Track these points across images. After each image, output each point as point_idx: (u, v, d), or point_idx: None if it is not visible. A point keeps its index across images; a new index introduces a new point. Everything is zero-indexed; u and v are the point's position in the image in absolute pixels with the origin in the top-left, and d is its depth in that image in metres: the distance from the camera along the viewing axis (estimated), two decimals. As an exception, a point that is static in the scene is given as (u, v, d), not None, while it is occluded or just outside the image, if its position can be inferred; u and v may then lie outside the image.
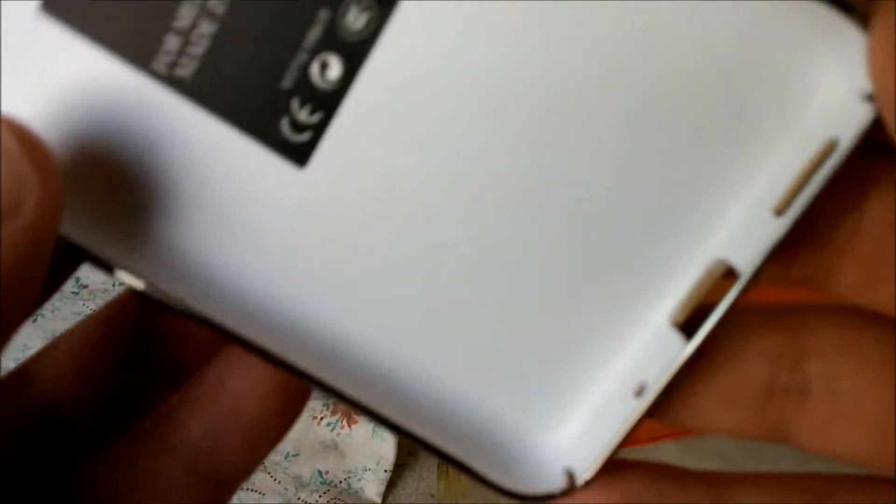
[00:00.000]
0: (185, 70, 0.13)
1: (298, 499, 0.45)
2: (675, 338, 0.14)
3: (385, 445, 0.47)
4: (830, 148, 0.13)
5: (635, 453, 0.14)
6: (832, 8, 0.12)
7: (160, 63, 0.13)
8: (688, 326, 0.14)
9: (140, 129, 0.14)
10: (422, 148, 0.14)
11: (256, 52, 0.13)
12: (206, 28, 0.13)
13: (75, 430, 0.17)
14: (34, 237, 0.11)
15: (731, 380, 0.15)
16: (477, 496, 0.49)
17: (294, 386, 0.16)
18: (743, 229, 0.14)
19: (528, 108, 0.14)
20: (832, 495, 0.15)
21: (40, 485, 0.16)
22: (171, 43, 0.13)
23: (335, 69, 0.13)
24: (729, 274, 0.14)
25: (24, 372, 0.17)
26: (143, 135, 0.14)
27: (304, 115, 0.14)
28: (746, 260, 0.13)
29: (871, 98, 0.13)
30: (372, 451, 0.47)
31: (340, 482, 0.47)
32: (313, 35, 0.13)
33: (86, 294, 0.47)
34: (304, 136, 0.14)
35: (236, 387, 0.16)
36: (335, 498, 0.46)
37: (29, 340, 0.44)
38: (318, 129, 0.14)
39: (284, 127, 0.14)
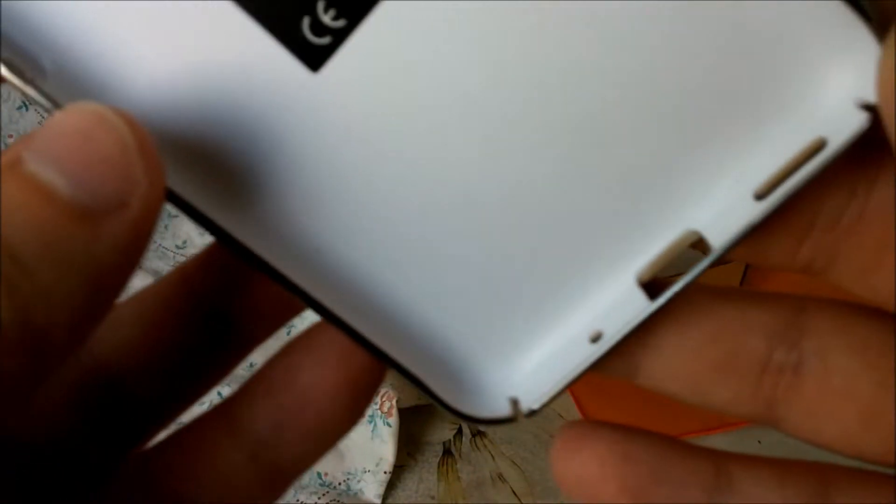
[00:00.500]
0: None
1: (297, 500, 0.45)
2: (639, 295, 0.15)
3: (384, 447, 0.46)
4: (819, 147, 0.13)
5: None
6: (852, 12, 0.13)
7: None
8: (652, 287, 0.15)
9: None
10: (432, 80, 0.14)
11: None
12: None
13: (140, 397, 0.17)
14: (137, 231, 0.12)
15: (729, 350, 0.15)
16: (476, 498, 0.49)
17: (364, 381, 0.16)
18: (722, 206, 0.14)
19: (534, 61, 0.14)
20: (834, 483, 0.15)
21: (104, 458, 0.16)
22: None
23: None
24: (700, 244, 0.14)
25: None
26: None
27: (328, 18, 0.13)
28: (719, 236, 0.14)
29: (868, 108, 0.13)
30: (371, 452, 0.47)
31: (339, 484, 0.46)
32: None
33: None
34: (324, 40, 0.14)
35: (306, 378, 0.16)
36: (334, 499, 0.45)
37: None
38: (339, 36, 0.13)
39: (305, 26, 0.13)
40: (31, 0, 0.13)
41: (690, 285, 0.14)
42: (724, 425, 0.53)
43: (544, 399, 0.15)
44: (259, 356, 0.18)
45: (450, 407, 0.15)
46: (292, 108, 0.14)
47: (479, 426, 0.15)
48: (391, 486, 0.47)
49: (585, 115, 0.14)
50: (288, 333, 0.17)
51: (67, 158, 0.12)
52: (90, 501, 0.16)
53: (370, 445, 0.47)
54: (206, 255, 0.17)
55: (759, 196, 0.14)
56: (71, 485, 0.16)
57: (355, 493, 0.46)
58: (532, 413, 0.15)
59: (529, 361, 0.16)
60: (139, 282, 0.18)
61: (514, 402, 0.16)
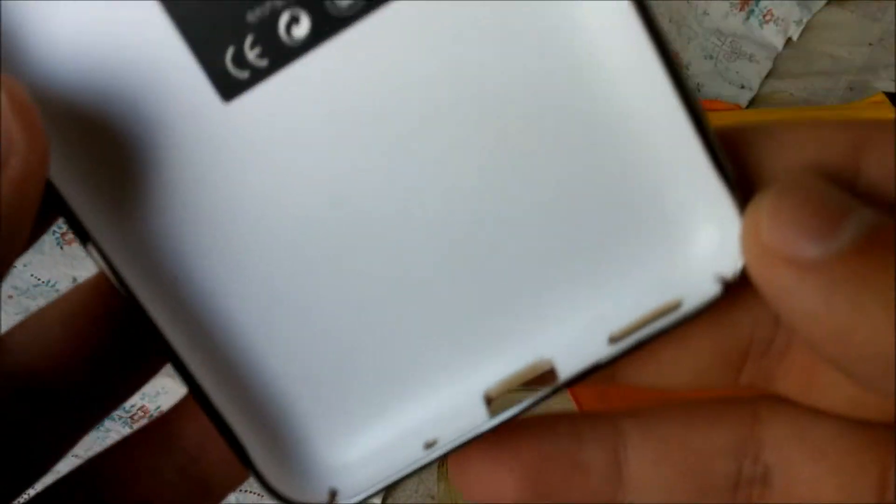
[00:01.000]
0: None
1: (297, 501, 0.45)
2: (482, 411, 0.15)
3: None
4: (674, 306, 0.14)
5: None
6: (725, 188, 0.14)
7: None
8: (496, 405, 0.15)
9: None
10: (329, 153, 0.14)
11: None
12: None
13: (64, 399, 0.16)
14: (19, 189, 0.12)
15: (701, 478, 0.16)
16: (476, 498, 0.48)
17: None
18: (578, 342, 0.15)
19: (415, 170, 0.14)
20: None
21: (29, 460, 0.16)
22: None
23: (302, 29, 0.14)
24: (550, 374, 0.15)
25: (6, 340, 0.17)
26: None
27: (251, 55, 0.14)
28: (569, 369, 0.15)
29: (723, 281, 0.14)
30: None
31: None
32: None
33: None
34: (242, 74, 0.14)
35: None
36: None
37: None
38: (258, 75, 0.14)
39: (228, 56, 0.14)
40: None
41: (531, 408, 0.15)
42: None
43: (362, 496, 0.15)
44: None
45: (267, 483, 0.15)
46: (192, 130, 0.14)
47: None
48: (391, 486, 0.47)
49: (466, 230, 0.15)
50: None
51: None
52: None
53: (370, 446, 0.47)
54: None
55: (613, 339, 0.15)
56: None
57: (355, 494, 0.46)
58: None
59: (359, 452, 0.16)
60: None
61: (333, 493, 0.15)
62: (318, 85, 0.14)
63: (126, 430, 0.44)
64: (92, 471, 0.17)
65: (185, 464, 0.16)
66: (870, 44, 0.61)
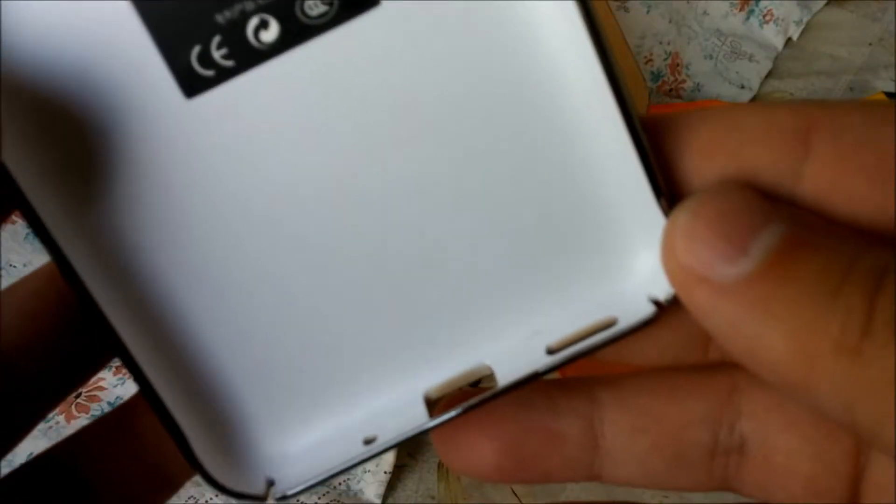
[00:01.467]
0: None
1: (297, 500, 0.45)
2: (421, 410, 0.15)
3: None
4: (610, 324, 0.15)
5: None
6: (661, 214, 0.14)
7: None
8: (436, 405, 0.16)
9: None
10: (297, 148, 0.15)
11: None
12: None
13: (28, 381, 0.16)
14: None
15: (678, 449, 0.16)
16: (476, 498, 0.48)
17: None
18: (518, 351, 0.16)
19: (373, 172, 0.15)
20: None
21: None
22: None
23: (270, 35, 0.14)
24: (489, 378, 0.16)
25: None
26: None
27: (217, 55, 0.14)
28: (507, 375, 0.15)
29: (657, 304, 0.15)
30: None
31: (339, 484, 0.46)
32: None
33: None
34: (207, 73, 0.14)
35: None
36: (335, 499, 0.45)
37: None
38: (222, 75, 0.14)
39: (194, 53, 0.14)
40: None
41: (469, 411, 0.15)
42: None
43: (298, 488, 0.15)
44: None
45: (204, 470, 0.15)
46: (153, 124, 0.14)
47: (228, 497, 0.16)
48: (391, 485, 0.47)
49: (414, 238, 0.15)
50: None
51: None
52: None
53: (370, 445, 0.47)
54: None
55: (551, 351, 0.15)
56: None
57: (355, 493, 0.46)
58: (283, 498, 0.16)
59: (299, 445, 0.16)
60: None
61: (270, 483, 0.16)
62: (282, 89, 0.14)
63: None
64: (70, 449, 0.17)
65: (142, 453, 0.16)
66: (869, 44, 0.61)
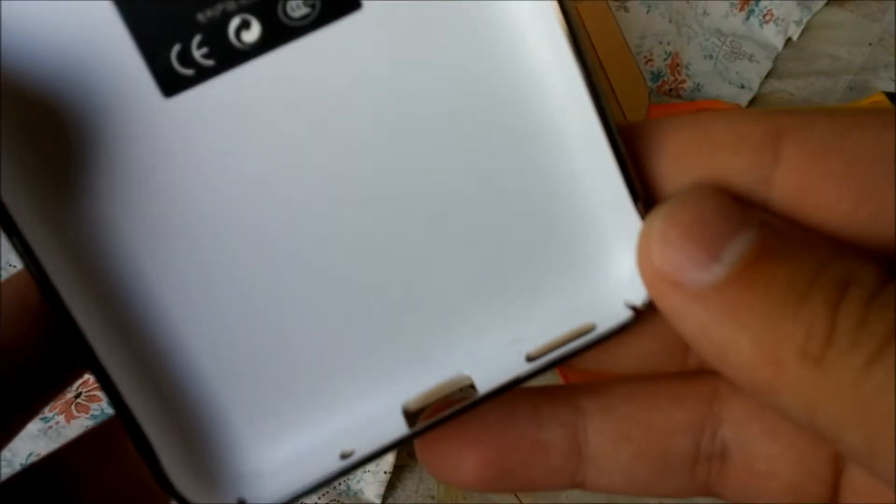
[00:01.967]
0: None
1: (299, 501, 0.45)
2: (400, 422, 0.15)
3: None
4: (588, 329, 0.15)
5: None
6: (640, 218, 0.14)
7: None
8: (415, 417, 0.16)
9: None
10: (276, 149, 0.14)
11: None
12: None
13: (24, 367, 0.16)
14: None
15: (662, 452, 0.16)
16: (476, 498, 0.48)
17: None
18: (498, 359, 0.15)
19: (352, 182, 0.15)
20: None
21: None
22: None
23: (252, 35, 0.14)
24: (470, 388, 0.15)
25: None
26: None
27: (197, 54, 0.14)
28: (488, 384, 0.15)
29: (634, 309, 0.15)
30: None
31: (339, 484, 0.46)
32: None
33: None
34: (187, 72, 0.14)
35: None
36: (334, 499, 0.45)
37: None
38: (201, 74, 0.14)
39: (174, 52, 0.14)
40: None
41: (450, 419, 0.15)
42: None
43: None
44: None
45: (172, 487, 0.14)
46: (130, 121, 0.14)
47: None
48: (391, 486, 0.47)
49: (393, 249, 0.15)
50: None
51: None
52: None
53: (370, 445, 0.47)
54: None
55: (530, 358, 0.15)
56: None
57: (355, 493, 0.46)
58: None
59: (273, 461, 0.16)
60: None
61: (241, 502, 0.15)
62: (263, 90, 0.14)
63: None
64: (56, 464, 0.17)
65: (130, 466, 0.16)
66: (870, 44, 0.61)
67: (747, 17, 0.62)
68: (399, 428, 0.15)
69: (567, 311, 0.16)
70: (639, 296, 0.15)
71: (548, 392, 0.17)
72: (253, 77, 0.14)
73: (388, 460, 0.46)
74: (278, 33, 0.14)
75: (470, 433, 0.16)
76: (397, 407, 0.16)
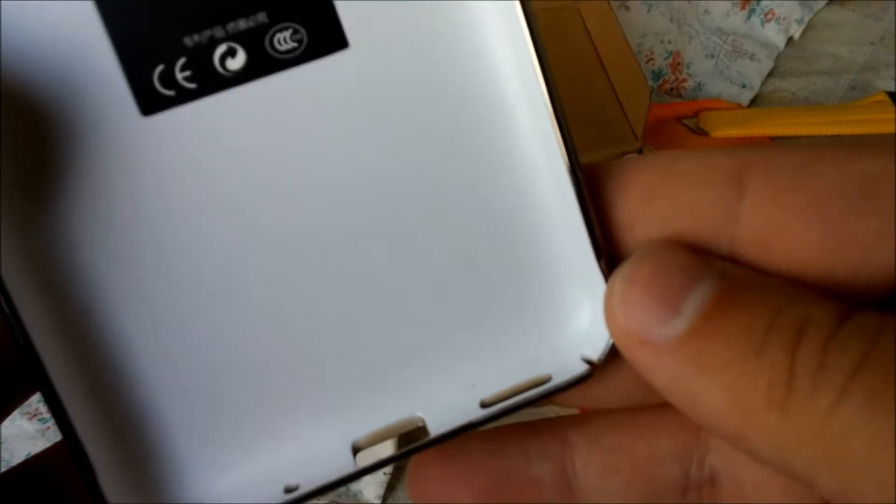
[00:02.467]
0: None
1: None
2: (348, 459, 0.15)
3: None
4: (544, 381, 0.15)
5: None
6: (602, 275, 0.15)
7: None
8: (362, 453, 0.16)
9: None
10: (249, 176, 0.15)
11: (187, 1, 0.14)
12: None
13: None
14: None
15: (651, 482, 0.16)
16: None
17: None
18: (453, 404, 0.16)
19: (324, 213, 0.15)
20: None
21: None
22: None
23: (237, 63, 0.14)
24: (422, 430, 0.15)
25: None
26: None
27: (180, 76, 0.14)
28: (440, 427, 0.15)
29: (590, 363, 0.15)
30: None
31: (339, 485, 0.46)
32: (242, 24, 0.14)
33: None
34: (167, 92, 0.14)
35: None
36: (333, 500, 0.45)
37: None
38: (182, 97, 0.14)
39: (156, 73, 0.14)
40: None
41: (398, 460, 0.15)
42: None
43: None
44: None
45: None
46: (107, 137, 0.14)
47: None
48: (391, 487, 0.47)
49: (356, 288, 0.15)
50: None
51: None
52: None
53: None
54: None
55: (484, 405, 0.15)
56: None
57: (355, 494, 0.46)
58: None
59: (217, 490, 0.15)
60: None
61: None
62: (242, 117, 0.14)
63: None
64: (49, 462, 0.17)
65: None
66: (871, 43, 0.61)
67: (748, 16, 0.62)
68: (347, 465, 0.15)
69: (524, 361, 0.16)
70: (595, 351, 0.15)
71: (534, 427, 0.17)
72: (233, 103, 0.14)
73: (388, 461, 0.46)
74: (263, 64, 0.14)
75: (460, 471, 0.16)
76: (347, 444, 0.16)
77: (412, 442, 0.15)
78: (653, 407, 0.16)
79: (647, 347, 0.13)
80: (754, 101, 0.60)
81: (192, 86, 0.14)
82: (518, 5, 0.14)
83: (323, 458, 0.15)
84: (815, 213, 0.13)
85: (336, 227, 0.15)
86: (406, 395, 0.16)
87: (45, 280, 0.14)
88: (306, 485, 0.15)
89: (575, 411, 0.19)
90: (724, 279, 0.13)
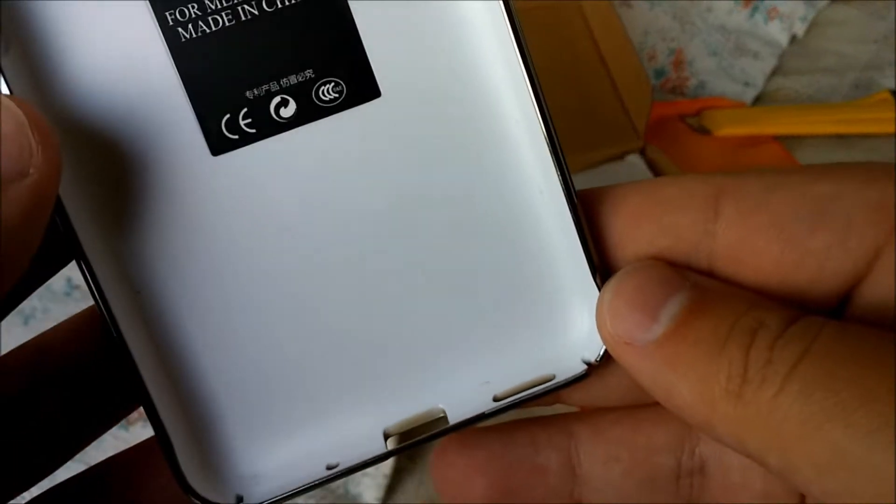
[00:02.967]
0: (187, 34, 0.16)
1: (294, 503, 0.45)
2: (380, 444, 0.18)
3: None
4: (548, 379, 0.18)
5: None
6: (597, 286, 0.17)
7: (172, 16, 0.16)
8: (401, 438, 0.18)
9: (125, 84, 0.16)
10: (301, 206, 0.17)
11: (247, 62, 0.17)
12: (225, 18, 0.16)
13: (84, 395, 0.18)
14: (37, 197, 0.14)
15: (648, 470, 0.18)
16: None
17: None
18: (468, 397, 0.18)
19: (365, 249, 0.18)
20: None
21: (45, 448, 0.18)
22: (193, 8, 0.16)
23: (289, 111, 0.17)
24: (443, 419, 0.18)
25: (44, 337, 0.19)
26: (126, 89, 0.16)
27: (242, 123, 0.17)
28: (458, 417, 0.18)
29: (588, 364, 0.18)
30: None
31: (338, 487, 0.46)
32: (293, 80, 0.17)
33: (78, 295, 0.47)
34: (231, 136, 0.17)
35: None
36: (333, 503, 0.45)
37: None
38: (245, 139, 0.17)
39: (224, 119, 0.17)
40: None
41: (423, 443, 0.18)
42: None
43: (265, 502, 0.17)
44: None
45: (184, 479, 0.17)
46: (181, 173, 0.17)
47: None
48: (390, 489, 0.46)
49: (392, 297, 0.18)
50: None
51: None
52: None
53: (369, 448, 0.46)
54: None
55: (497, 399, 0.18)
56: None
57: (354, 497, 0.45)
58: None
59: (270, 465, 0.18)
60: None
61: (239, 499, 0.18)
62: (294, 155, 0.17)
63: (122, 433, 0.44)
64: (99, 476, 0.19)
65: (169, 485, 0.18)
66: (875, 41, 0.61)
67: (752, 14, 0.61)
68: (378, 447, 0.18)
69: (532, 362, 0.19)
70: (593, 353, 0.18)
71: (542, 421, 0.19)
72: (287, 145, 0.17)
73: (388, 463, 0.46)
74: (310, 112, 0.17)
75: (477, 459, 0.19)
76: (379, 430, 0.18)
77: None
78: (651, 405, 0.18)
79: (631, 349, 0.16)
80: (758, 100, 0.59)
81: (253, 131, 0.17)
82: (519, 54, 0.16)
83: (358, 443, 0.18)
84: (776, 231, 0.16)
85: (370, 248, 0.18)
86: (430, 389, 0.19)
87: (133, 291, 0.17)
88: (345, 463, 0.17)
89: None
90: (696, 290, 0.16)
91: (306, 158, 0.17)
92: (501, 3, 0.16)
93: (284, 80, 0.17)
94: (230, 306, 0.17)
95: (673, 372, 0.15)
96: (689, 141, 0.55)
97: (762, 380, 0.14)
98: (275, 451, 0.18)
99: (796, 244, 0.15)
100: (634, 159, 0.53)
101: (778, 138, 0.56)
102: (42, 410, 0.18)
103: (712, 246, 0.16)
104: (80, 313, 0.19)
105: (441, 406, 0.18)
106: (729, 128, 0.55)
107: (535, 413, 0.20)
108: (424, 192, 0.18)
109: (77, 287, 0.47)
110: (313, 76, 0.17)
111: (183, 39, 0.16)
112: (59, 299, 0.46)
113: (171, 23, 0.16)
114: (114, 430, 0.45)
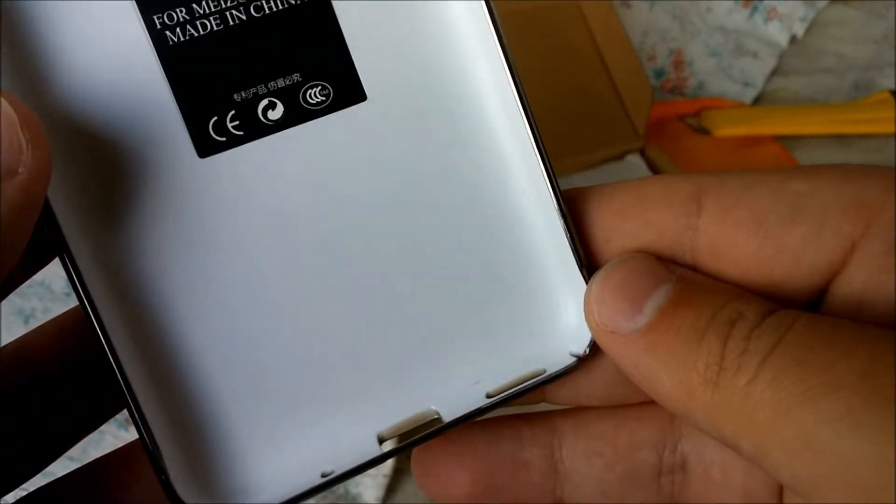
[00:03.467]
0: (175, 38, 0.16)
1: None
2: (374, 448, 0.18)
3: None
4: (539, 374, 0.18)
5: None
6: (581, 279, 0.18)
7: (160, 19, 0.16)
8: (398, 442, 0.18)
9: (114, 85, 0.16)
10: (289, 206, 0.17)
11: (235, 65, 0.17)
12: (213, 23, 0.16)
13: (74, 393, 0.18)
14: (26, 196, 0.14)
15: (629, 466, 0.19)
16: None
17: None
18: (463, 396, 0.18)
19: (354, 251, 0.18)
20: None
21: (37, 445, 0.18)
22: (181, 13, 0.16)
23: (276, 114, 0.17)
24: (437, 420, 0.18)
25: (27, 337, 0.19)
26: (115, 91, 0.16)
27: (230, 125, 0.17)
28: (451, 415, 0.18)
29: (577, 357, 0.18)
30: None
31: (338, 487, 0.46)
32: (281, 83, 0.17)
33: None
34: (219, 138, 0.17)
35: None
36: (333, 503, 0.45)
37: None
38: (232, 142, 0.17)
39: (211, 122, 0.17)
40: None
41: (417, 444, 0.18)
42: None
43: None
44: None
45: (174, 492, 0.16)
46: (169, 174, 0.17)
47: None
48: (390, 489, 0.46)
49: (379, 305, 0.18)
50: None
51: None
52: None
53: (369, 448, 0.46)
54: None
55: (489, 396, 0.18)
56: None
57: (354, 497, 0.45)
58: None
59: (265, 474, 0.18)
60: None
61: None
62: (280, 157, 0.17)
63: (121, 433, 0.44)
64: (90, 475, 0.19)
65: (153, 489, 0.17)
66: (875, 41, 0.61)
67: (751, 14, 0.61)
68: (373, 451, 0.18)
69: (522, 358, 0.19)
70: (580, 346, 0.18)
71: (527, 417, 0.19)
72: (273, 147, 0.17)
73: (388, 464, 0.46)
74: (297, 114, 0.17)
75: (460, 454, 0.19)
76: (373, 434, 0.18)
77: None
78: (634, 404, 0.19)
79: (616, 338, 0.16)
80: (757, 100, 0.59)
81: (240, 133, 0.17)
82: (502, 56, 0.17)
83: (353, 448, 0.18)
84: (754, 226, 0.16)
85: (360, 249, 0.18)
86: (422, 392, 0.19)
87: (120, 291, 0.17)
88: (339, 469, 0.17)
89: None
90: (680, 283, 0.16)
91: (293, 160, 0.17)
92: (484, 5, 0.17)
93: (272, 83, 0.17)
94: (217, 310, 0.17)
95: (655, 360, 0.15)
96: (688, 141, 0.55)
97: (737, 368, 0.14)
98: (267, 461, 0.18)
99: (773, 238, 0.16)
100: (634, 159, 0.53)
101: (778, 138, 0.56)
102: (27, 411, 0.18)
103: (695, 241, 0.17)
104: (65, 313, 0.19)
105: (434, 408, 0.18)
106: (729, 128, 0.55)
107: (520, 410, 0.20)
108: (410, 194, 0.18)
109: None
110: (300, 80, 0.17)
111: (171, 43, 0.16)
112: (59, 299, 0.46)
113: (158, 26, 0.16)
114: (114, 430, 0.45)
